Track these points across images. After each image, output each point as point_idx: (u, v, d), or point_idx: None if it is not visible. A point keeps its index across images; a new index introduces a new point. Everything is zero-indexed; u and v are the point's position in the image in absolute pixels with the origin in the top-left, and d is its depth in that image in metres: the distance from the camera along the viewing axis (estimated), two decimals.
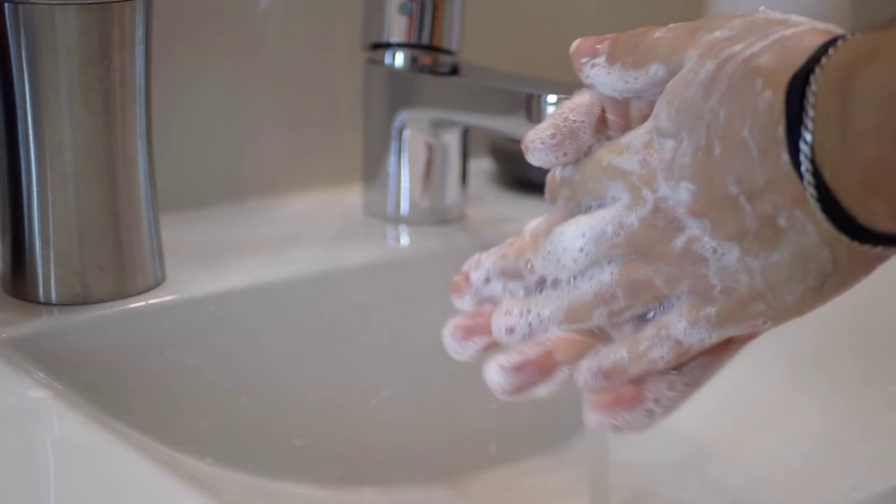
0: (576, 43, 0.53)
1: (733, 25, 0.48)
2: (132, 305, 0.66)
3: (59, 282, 0.65)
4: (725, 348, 0.50)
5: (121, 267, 0.66)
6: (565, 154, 0.52)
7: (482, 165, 0.88)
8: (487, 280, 0.54)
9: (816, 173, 0.44)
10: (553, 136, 0.51)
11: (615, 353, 0.51)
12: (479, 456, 0.76)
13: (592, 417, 0.51)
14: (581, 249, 0.50)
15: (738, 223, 0.47)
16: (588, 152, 0.52)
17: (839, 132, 0.43)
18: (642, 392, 0.50)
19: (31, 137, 0.63)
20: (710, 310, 0.49)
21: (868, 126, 0.42)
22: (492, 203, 0.84)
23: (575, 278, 0.51)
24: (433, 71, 0.76)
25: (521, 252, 0.53)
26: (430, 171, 0.78)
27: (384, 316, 0.74)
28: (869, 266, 0.46)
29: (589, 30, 0.96)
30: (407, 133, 0.77)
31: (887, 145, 0.41)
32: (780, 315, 0.48)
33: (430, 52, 0.76)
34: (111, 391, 0.64)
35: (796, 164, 0.44)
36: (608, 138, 0.52)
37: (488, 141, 0.87)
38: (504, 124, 0.73)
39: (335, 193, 0.83)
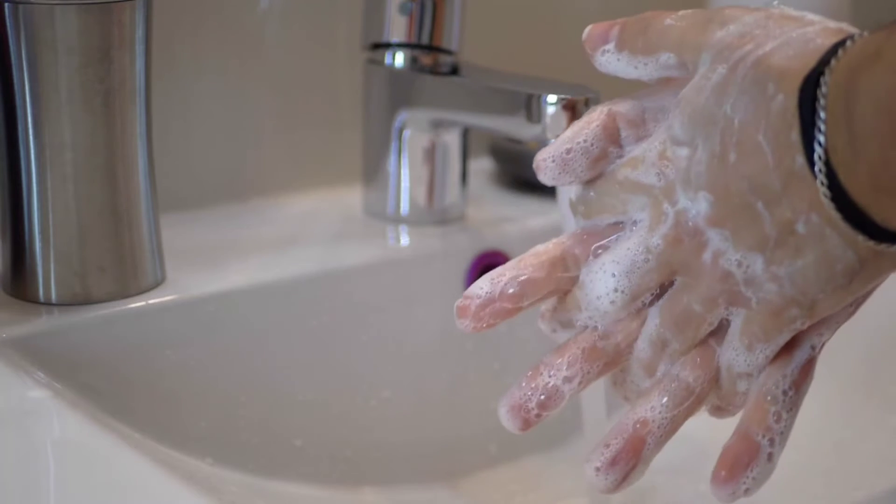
0: (588, 29, 0.52)
1: (747, 20, 0.47)
2: (132, 305, 0.66)
3: (59, 282, 0.65)
4: (793, 354, 0.50)
5: (121, 267, 0.66)
6: (578, 172, 0.51)
7: (482, 165, 0.88)
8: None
9: (831, 175, 0.43)
10: (568, 151, 0.51)
11: (710, 401, 0.51)
12: (479, 456, 0.76)
13: (721, 492, 0.49)
14: (616, 290, 0.50)
15: (758, 231, 0.46)
16: (603, 170, 0.51)
17: (847, 134, 0.42)
18: (753, 440, 0.49)
19: (31, 137, 0.63)
20: (757, 329, 0.48)
21: (869, 128, 0.42)
22: (492, 203, 0.84)
23: (629, 336, 0.51)
24: (433, 71, 0.76)
25: (565, 307, 0.52)
26: (430, 171, 0.78)
27: (384, 316, 0.74)
28: None
29: None
30: (407, 133, 0.77)
31: (887, 147, 0.41)
32: (815, 314, 0.48)
33: (430, 52, 0.76)
34: (111, 391, 0.64)
35: (812, 166, 0.44)
36: (621, 155, 0.51)
37: (488, 141, 0.87)
38: (504, 124, 0.73)
39: (335, 193, 0.83)
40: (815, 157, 0.44)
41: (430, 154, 0.78)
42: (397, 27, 0.76)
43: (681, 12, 0.50)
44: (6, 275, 0.66)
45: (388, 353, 0.75)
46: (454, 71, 0.76)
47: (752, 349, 0.49)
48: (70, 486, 0.52)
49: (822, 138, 0.43)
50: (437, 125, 0.77)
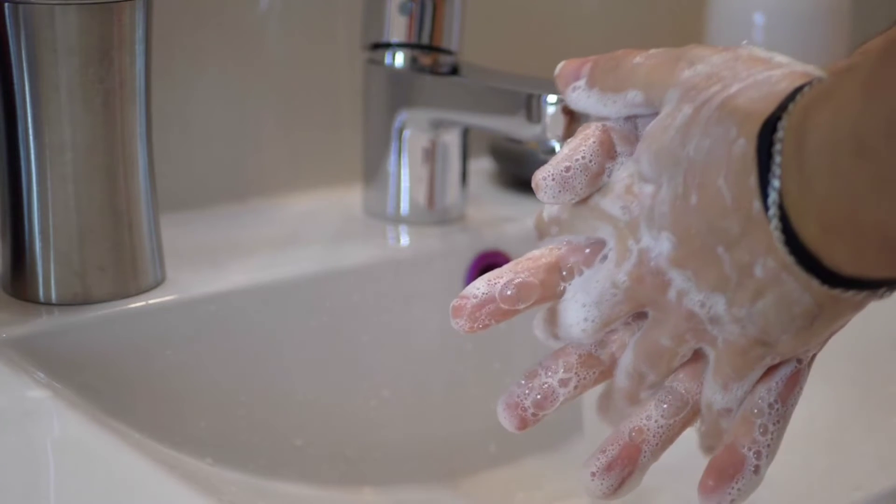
0: (560, 65, 0.52)
1: (714, 61, 0.47)
2: (132, 305, 0.66)
3: (59, 282, 0.65)
4: (777, 369, 0.50)
5: (121, 267, 0.66)
6: (578, 189, 0.51)
7: (482, 165, 0.88)
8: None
9: (784, 218, 0.43)
10: (567, 168, 0.51)
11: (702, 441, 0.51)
12: (479, 456, 0.76)
13: (706, 503, 0.50)
14: (586, 319, 0.50)
15: (718, 273, 0.46)
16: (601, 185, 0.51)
17: (798, 175, 0.43)
18: (739, 452, 0.50)
19: (31, 137, 0.63)
20: (727, 369, 0.49)
21: (817, 166, 0.42)
22: (492, 203, 0.84)
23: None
24: (433, 71, 0.76)
25: (554, 321, 0.52)
26: (430, 171, 0.78)
27: (384, 316, 0.74)
28: (857, 305, 0.46)
29: (588, 30, 0.96)
30: (407, 133, 0.77)
31: (835, 184, 0.41)
32: (784, 352, 0.48)
33: (430, 52, 0.76)
34: (111, 391, 0.64)
35: (766, 211, 0.44)
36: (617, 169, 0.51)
37: (488, 141, 0.87)
38: (504, 124, 0.73)
39: (335, 193, 0.83)
40: (770, 201, 0.44)
41: (430, 154, 0.78)
42: (397, 27, 0.76)
43: (651, 51, 0.50)
44: (6, 275, 0.66)
45: (388, 353, 0.75)
46: (454, 71, 0.76)
47: (727, 388, 0.49)
48: (70, 486, 0.52)
49: (776, 182, 0.43)
50: (437, 125, 0.77)
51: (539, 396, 0.51)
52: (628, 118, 0.51)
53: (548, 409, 0.52)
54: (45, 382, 0.61)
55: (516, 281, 0.51)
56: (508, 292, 0.51)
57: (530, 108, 0.70)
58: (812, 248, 0.43)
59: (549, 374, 0.52)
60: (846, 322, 0.47)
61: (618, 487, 0.51)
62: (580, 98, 0.52)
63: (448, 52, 0.76)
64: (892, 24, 0.44)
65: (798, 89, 0.44)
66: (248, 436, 0.69)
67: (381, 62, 0.77)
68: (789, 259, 0.44)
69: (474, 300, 0.51)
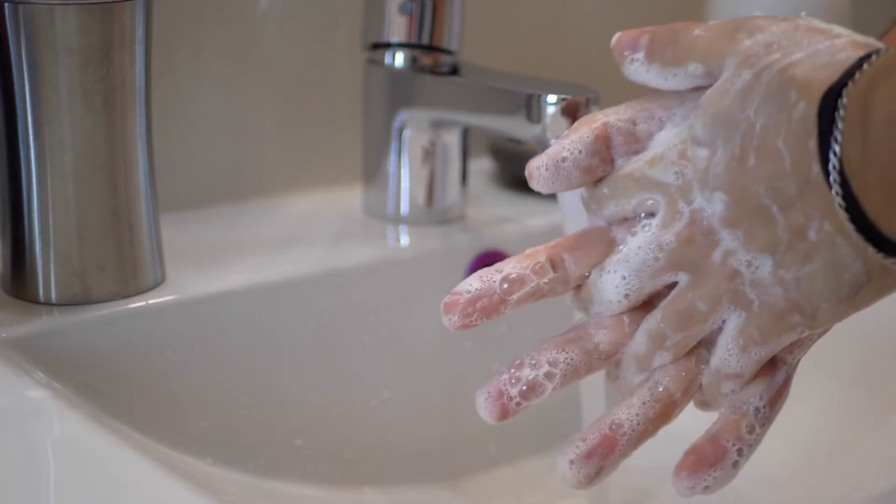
0: (616, 36, 0.52)
1: (774, 31, 0.48)
2: (132, 305, 0.66)
3: (59, 282, 0.65)
4: (775, 373, 0.51)
5: (121, 267, 0.66)
6: (572, 180, 0.51)
7: (482, 165, 0.88)
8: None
9: (845, 184, 0.44)
10: (563, 159, 0.51)
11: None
12: (479, 456, 0.76)
13: (681, 484, 0.50)
14: (626, 296, 0.50)
15: (770, 234, 0.47)
16: (602, 174, 0.51)
17: (862, 144, 0.43)
18: (722, 444, 0.51)
19: (31, 137, 0.63)
20: (754, 331, 0.49)
21: (881, 138, 0.43)
22: (492, 203, 0.84)
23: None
24: (433, 71, 0.76)
25: (580, 298, 0.52)
26: (430, 171, 0.78)
27: (384, 316, 0.74)
28: None
29: (588, 30, 0.96)
30: (407, 133, 0.77)
31: None
32: (816, 324, 0.48)
33: (430, 52, 0.76)
34: (111, 391, 0.64)
35: (826, 175, 0.44)
36: (613, 163, 0.51)
37: (488, 141, 0.87)
38: (504, 124, 0.73)
39: (335, 193, 0.83)
40: (830, 166, 0.44)
41: (430, 154, 0.78)
42: (397, 27, 0.76)
43: (710, 23, 0.50)
44: (6, 275, 0.66)
45: (388, 353, 0.75)
46: (454, 71, 0.76)
47: (746, 350, 0.49)
48: (70, 486, 0.52)
49: (837, 148, 0.44)
50: (437, 125, 0.77)
51: (525, 388, 0.51)
52: (627, 109, 0.52)
53: (532, 401, 0.51)
54: (45, 382, 0.61)
55: (511, 277, 0.51)
56: (501, 289, 0.51)
57: (530, 108, 0.70)
58: (872, 215, 0.44)
59: (533, 364, 0.51)
60: (883, 297, 0.48)
61: (594, 476, 0.51)
62: (639, 71, 0.52)
63: (448, 52, 0.76)
64: (892, 24, 0.44)
65: (863, 59, 0.44)
66: (248, 436, 0.69)
67: (381, 62, 0.77)
68: (848, 223, 0.44)
69: (468, 295, 0.51)
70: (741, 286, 0.48)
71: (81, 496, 0.51)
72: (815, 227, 0.46)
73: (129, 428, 0.63)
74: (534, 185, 0.52)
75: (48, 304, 0.65)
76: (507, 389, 0.51)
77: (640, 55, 0.51)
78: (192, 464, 0.66)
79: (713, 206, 0.48)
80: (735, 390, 0.51)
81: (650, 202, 0.50)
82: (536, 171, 0.51)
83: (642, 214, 0.50)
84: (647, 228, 0.50)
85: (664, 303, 0.50)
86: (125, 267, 0.66)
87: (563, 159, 0.51)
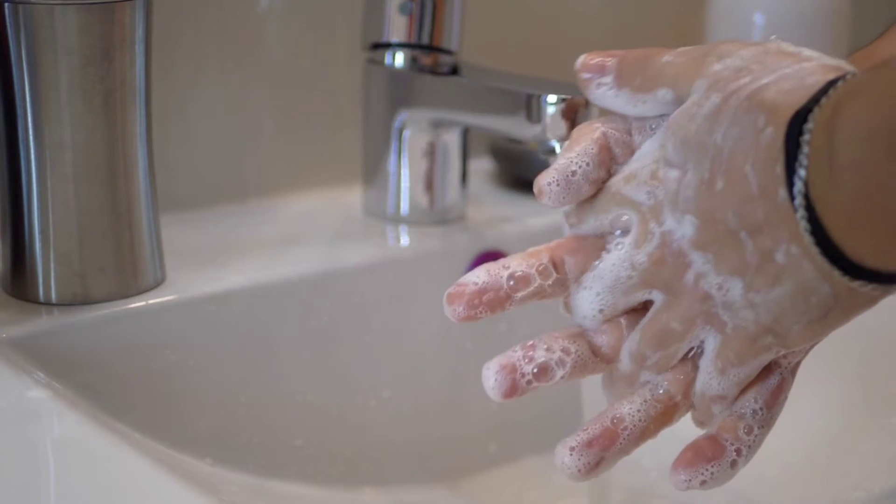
0: (581, 58, 0.52)
1: (744, 55, 0.48)
2: (132, 305, 0.66)
3: (59, 282, 0.65)
4: (768, 376, 0.51)
5: (121, 267, 0.66)
6: (582, 194, 0.51)
7: (482, 165, 0.88)
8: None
9: (810, 208, 0.44)
10: (573, 173, 0.51)
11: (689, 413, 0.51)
12: (479, 456, 0.76)
13: (677, 477, 0.50)
14: (601, 311, 0.51)
15: (739, 258, 0.47)
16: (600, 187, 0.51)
17: (827, 168, 0.43)
18: (721, 443, 0.51)
19: (31, 137, 0.63)
20: (730, 354, 0.49)
21: (848, 160, 0.42)
22: (492, 203, 0.84)
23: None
24: (433, 71, 0.76)
25: (567, 308, 0.52)
26: (430, 171, 0.78)
27: (384, 316, 0.74)
28: (872, 300, 0.46)
29: (589, 30, 0.96)
30: (407, 133, 0.77)
31: (866, 178, 0.42)
32: (789, 344, 0.49)
33: (430, 52, 0.76)
34: (111, 391, 0.64)
35: (792, 199, 0.44)
36: (616, 171, 0.51)
37: (488, 141, 0.87)
38: (504, 124, 0.73)
39: (335, 193, 0.83)
40: (795, 190, 0.44)
41: (430, 154, 0.78)
42: (397, 27, 0.76)
43: (679, 49, 0.50)
44: (6, 275, 0.66)
45: (387, 352, 0.75)
46: (454, 71, 0.76)
47: (724, 373, 0.50)
48: (70, 486, 0.52)
49: (802, 172, 0.44)
50: (437, 125, 0.77)
51: (536, 370, 0.51)
52: (625, 120, 0.52)
53: (542, 383, 0.51)
54: (45, 382, 0.61)
55: (517, 274, 0.51)
56: (507, 284, 0.51)
57: (530, 108, 0.70)
58: (836, 238, 0.44)
59: (545, 348, 0.51)
60: (853, 318, 0.48)
61: (593, 467, 0.51)
62: (606, 96, 0.51)
63: (448, 52, 0.76)
64: (892, 24, 0.44)
65: (831, 83, 0.44)
66: (248, 436, 0.70)
67: (381, 62, 0.77)
68: (813, 247, 0.44)
69: (474, 287, 0.51)
70: (714, 308, 0.48)
71: (81, 496, 0.51)
72: (782, 251, 0.46)
73: (128, 428, 0.63)
74: (544, 201, 0.51)
75: (48, 303, 0.65)
76: (520, 365, 0.51)
77: (609, 79, 0.51)
78: (192, 464, 0.66)
79: (683, 229, 0.48)
80: (723, 410, 0.51)
81: (625, 218, 0.50)
82: (547, 187, 0.51)
83: (617, 232, 0.51)
84: (620, 247, 0.50)
85: (641, 324, 0.51)
86: (125, 267, 0.66)
87: (573, 173, 0.51)
